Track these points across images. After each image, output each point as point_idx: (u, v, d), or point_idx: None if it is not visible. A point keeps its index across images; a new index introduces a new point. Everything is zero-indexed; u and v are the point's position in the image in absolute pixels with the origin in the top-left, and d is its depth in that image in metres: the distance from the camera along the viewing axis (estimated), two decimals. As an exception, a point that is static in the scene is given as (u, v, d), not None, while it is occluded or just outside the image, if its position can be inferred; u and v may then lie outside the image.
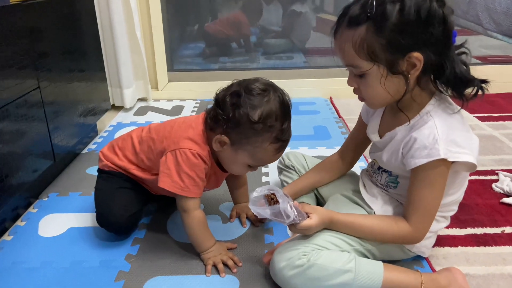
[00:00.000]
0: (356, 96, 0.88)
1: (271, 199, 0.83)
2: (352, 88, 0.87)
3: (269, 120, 0.86)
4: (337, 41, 0.82)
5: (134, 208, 1.03)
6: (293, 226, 0.84)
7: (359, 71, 0.81)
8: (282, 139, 0.89)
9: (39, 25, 1.23)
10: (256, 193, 0.83)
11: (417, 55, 0.76)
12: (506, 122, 1.77)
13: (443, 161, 0.79)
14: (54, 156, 1.29)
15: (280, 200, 0.80)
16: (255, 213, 0.82)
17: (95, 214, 1.15)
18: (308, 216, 0.85)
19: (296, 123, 1.78)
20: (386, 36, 0.75)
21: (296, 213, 0.81)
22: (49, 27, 1.28)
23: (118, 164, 1.05)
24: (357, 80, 0.83)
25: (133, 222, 1.06)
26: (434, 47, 0.76)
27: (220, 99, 0.89)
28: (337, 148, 1.54)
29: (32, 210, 1.19)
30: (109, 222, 1.02)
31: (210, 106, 0.94)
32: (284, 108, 0.88)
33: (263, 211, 0.81)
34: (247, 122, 0.86)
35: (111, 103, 1.95)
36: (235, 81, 0.92)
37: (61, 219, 1.15)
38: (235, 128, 0.87)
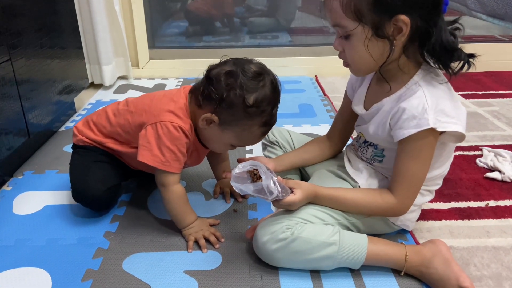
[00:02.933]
0: (341, 75, 0.87)
1: (254, 175, 0.81)
2: (343, 62, 0.86)
3: (262, 104, 0.85)
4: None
5: (111, 182, 1.00)
6: (276, 201, 0.82)
7: (344, 31, 0.78)
8: (270, 123, 0.89)
9: (11, 0, 1.16)
10: (238, 169, 0.80)
11: (404, 18, 0.73)
12: (490, 100, 1.78)
13: (432, 131, 0.77)
14: (29, 133, 1.24)
15: (263, 177, 0.78)
16: (237, 190, 0.79)
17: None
18: (292, 191, 0.83)
19: (281, 101, 1.76)
20: None
21: (279, 189, 0.79)
22: (22, 3, 1.21)
23: (94, 138, 1.01)
24: (343, 42, 0.81)
25: (111, 196, 1.03)
26: (422, 12, 0.73)
27: (213, 77, 0.86)
28: (322, 125, 1.55)
29: (6, 188, 1.15)
30: (86, 197, 0.98)
31: (196, 82, 0.91)
32: (276, 93, 0.88)
33: (246, 188, 0.78)
34: (242, 105, 0.84)
35: (90, 81, 1.89)
36: (227, 58, 0.89)
37: (36, 197, 1.11)
38: (228, 109, 0.85)
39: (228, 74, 0.85)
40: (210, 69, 0.88)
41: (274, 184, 0.78)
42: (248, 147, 1.37)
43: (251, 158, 0.99)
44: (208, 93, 0.86)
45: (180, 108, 0.90)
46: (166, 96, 0.94)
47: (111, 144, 0.99)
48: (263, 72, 0.87)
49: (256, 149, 1.34)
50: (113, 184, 1.00)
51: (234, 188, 0.79)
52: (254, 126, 0.87)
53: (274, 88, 0.87)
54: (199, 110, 0.89)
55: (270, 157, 1.14)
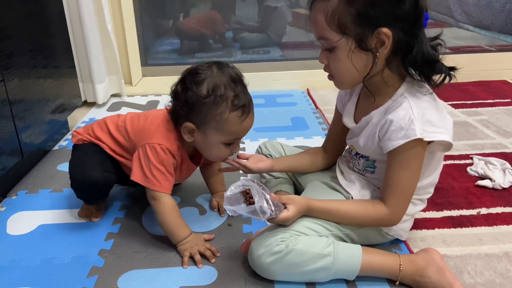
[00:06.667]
0: (333, 87, 0.89)
1: (247, 194, 0.81)
2: (327, 76, 0.88)
3: (218, 90, 0.87)
4: (312, 12, 0.81)
5: (109, 168, 1.00)
6: (270, 219, 0.82)
7: (329, 43, 0.80)
8: (239, 104, 0.88)
9: (3, 22, 1.17)
10: (230, 191, 0.80)
11: (386, 31, 0.76)
12: (479, 109, 1.80)
13: (420, 141, 0.79)
14: (22, 153, 1.24)
15: (255, 198, 0.78)
16: (230, 213, 0.80)
17: (67, 210, 1.12)
18: (285, 207, 0.83)
19: (274, 115, 1.77)
20: (357, 7, 0.75)
21: (272, 208, 0.79)
22: (14, 24, 1.23)
23: (94, 141, 1.03)
24: (327, 55, 0.83)
25: (108, 182, 1.02)
26: (403, 25, 0.76)
27: (173, 92, 0.92)
28: (315, 138, 1.56)
29: (0, 208, 1.14)
30: (84, 177, 0.97)
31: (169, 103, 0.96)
32: (231, 77, 0.89)
33: (239, 210, 0.79)
34: (199, 99, 0.87)
35: (83, 99, 1.89)
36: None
37: (30, 216, 1.10)
38: (192, 110, 0.89)
39: (181, 82, 0.91)
40: (171, 88, 0.93)
41: (267, 202, 0.79)
42: (241, 145, 1.39)
43: (251, 156, 1.02)
44: (174, 108, 0.92)
45: (169, 130, 0.94)
46: (158, 117, 0.97)
47: (108, 150, 1.01)
48: (211, 65, 0.89)
49: (249, 148, 1.35)
50: (111, 171, 1.01)
51: (227, 210, 0.80)
52: (225, 113, 0.87)
53: (228, 74, 0.88)
54: (180, 127, 0.92)
55: (262, 171, 1.15)
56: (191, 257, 0.92)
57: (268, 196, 0.80)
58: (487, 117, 1.72)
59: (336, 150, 1.08)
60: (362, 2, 0.74)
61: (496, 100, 1.90)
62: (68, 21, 1.72)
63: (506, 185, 1.18)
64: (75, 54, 1.81)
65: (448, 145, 0.82)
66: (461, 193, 1.17)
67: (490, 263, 0.91)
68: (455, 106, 1.84)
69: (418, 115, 0.79)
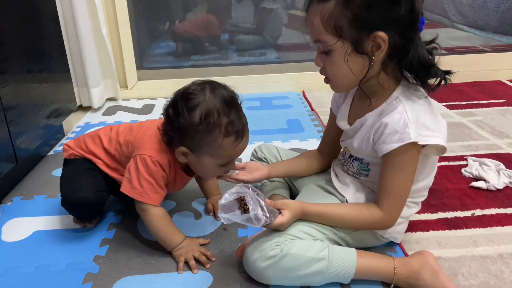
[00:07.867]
0: (328, 89, 0.89)
1: (241, 200, 0.81)
2: (323, 79, 0.88)
3: (211, 117, 0.84)
4: (308, 15, 0.82)
5: (101, 187, 1.00)
6: (266, 225, 0.82)
7: (325, 46, 0.81)
8: (233, 130, 0.86)
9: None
10: (225, 199, 0.80)
11: (382, 34, 0.76)
12: (474, 110, 1.81)
13: (414, 144, 0.79)
14: (17, 159, 1.23)
15: (249, 206, 0.78)
16: (225, 222, 0.79)
17: (62, 216, 1.11)
18: (280, 213, 0.83)
19: (269, 117, 1.77)
20: (353, 10, 0.75)
21: (267, 215, 0.79)
22: (8, 29, 1.22)
23: (86, 156, 1.03)
24: (323, 57, 0.83)
25: (100, 202, 1.02)
26: (399, 28, 0.76)
27: (165, 115, 0.90)
28: (310, 140, 1.56)
29: (-6, 215, 1.14)
30: (76, 198, 0.97)
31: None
32: (225, 102, 0.85)
33: (234, 218, 0.79)
34: (191, 127, 0.85)
35: (78, 104, 1.89)
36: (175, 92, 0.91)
37: (25, 223, 1.10)
38: (185, 136, 0.87)
39: (173, 105, 0.87)
40: (164, 108, 0.91)
41: (262, 209, 0.79)
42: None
43: (246, 164, 1.02)
44: (166, 131, 0.90)
45: (160, 143, 0.93)
46: (150, 128, 0.97)
47: (102, 165, 1.01)
48: (204, 87, 0.86)
49: (245, 151, 1.35)
50: (102, 189, 1.00)
51: (221, 219, 0.79)
52: (218, 139, 0.85)
53: (222, 98, 0.85)
54: (172, 147, 0.92)
55: (259, 181, 1.15)
56: (186, 263, 0.92)
57: (262, 203, 0.80)
58: (481, 117, 1.72)
59: (332, 152, 1.08)
60: (358, 5, 0.75)
61: (490, 101, 1.91)
62: (62, 25, 1.72)
63: (500, 186, 1.19)
64: (70, 59, 1.81)
65: (442, 149, 0.82)
66: (456, 195, 1.17)
67: (484, 264, 0.91)
68: (450, 107, 1.84)
69: (412, 118, 0.79)
